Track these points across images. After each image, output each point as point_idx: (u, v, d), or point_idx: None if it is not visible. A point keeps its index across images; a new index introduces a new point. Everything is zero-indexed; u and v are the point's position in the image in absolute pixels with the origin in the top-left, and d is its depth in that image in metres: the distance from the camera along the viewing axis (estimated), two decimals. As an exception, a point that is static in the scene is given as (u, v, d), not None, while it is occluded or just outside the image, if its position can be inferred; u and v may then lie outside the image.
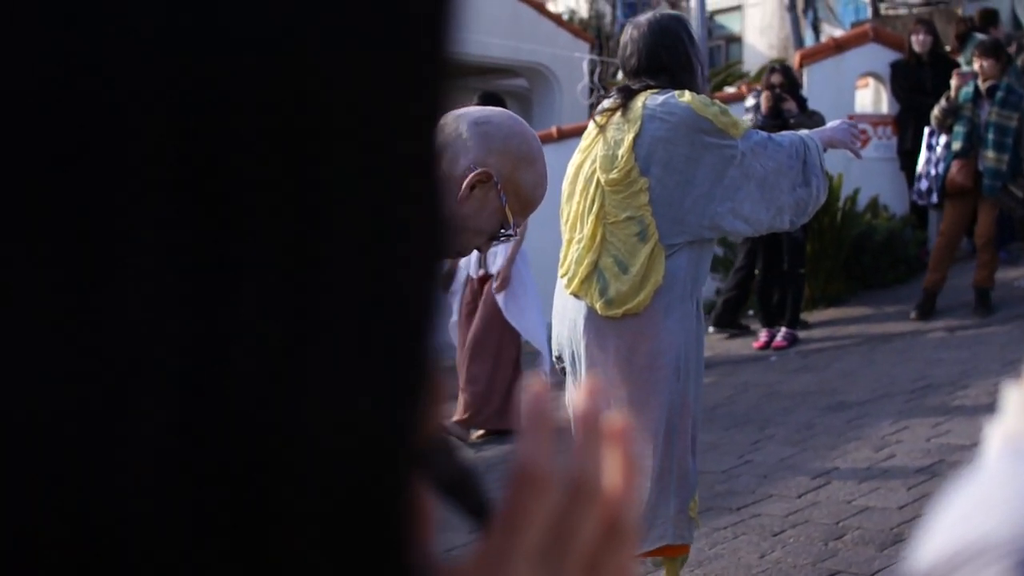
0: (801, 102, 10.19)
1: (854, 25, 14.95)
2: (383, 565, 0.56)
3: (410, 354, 0.56)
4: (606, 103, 4.51)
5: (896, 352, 9.36)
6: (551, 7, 20.11)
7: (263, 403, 0.49)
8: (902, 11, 15.39)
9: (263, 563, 0.50)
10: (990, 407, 7.34)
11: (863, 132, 12.52)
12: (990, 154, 9.72)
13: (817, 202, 4.49)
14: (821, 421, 7.59)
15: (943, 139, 10.07)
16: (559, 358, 4.59)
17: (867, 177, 11.82)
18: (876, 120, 12.61)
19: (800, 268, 10.31)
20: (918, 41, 11.88)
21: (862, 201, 11.86)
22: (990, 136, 9.72)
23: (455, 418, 8.34)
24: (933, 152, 10.19)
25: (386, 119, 0.53)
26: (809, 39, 16.64)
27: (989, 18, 12.20)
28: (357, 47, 0.51)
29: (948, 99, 10.07)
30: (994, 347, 8.85)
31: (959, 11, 14.43)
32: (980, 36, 11.65)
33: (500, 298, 8.20)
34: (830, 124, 4.67)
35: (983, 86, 9.86)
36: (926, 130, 10.40)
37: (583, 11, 23.61)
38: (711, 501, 5.98)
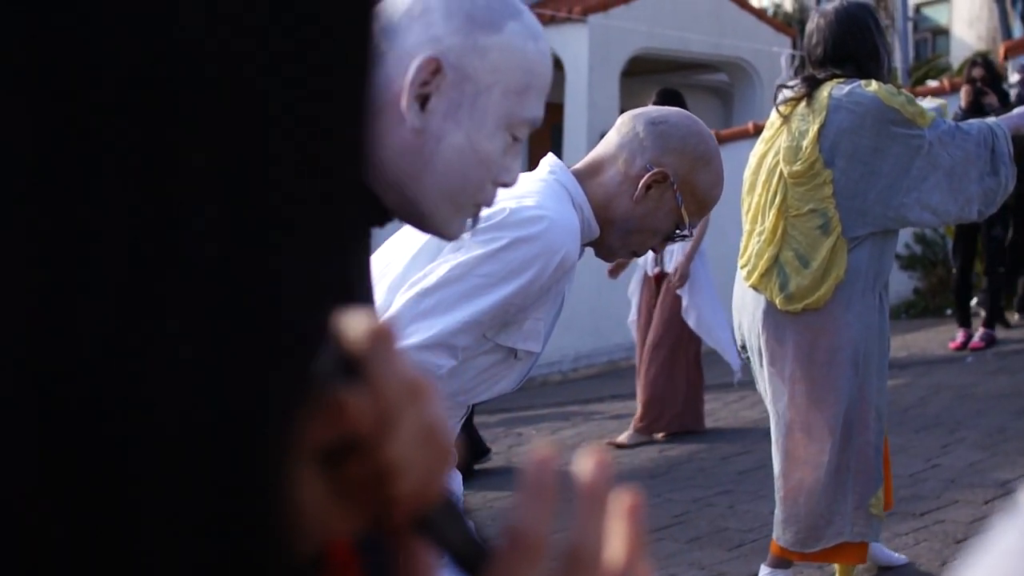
0: (1003, 96, 9.88)
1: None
2: (241, 534, 0.55)
3: (277, 334, 0.55)
4: (789, 92, 4.43)
5: (1099, 355, 9.04)
6: (755, 2, 19.91)
7: (108, 368, 0.49)
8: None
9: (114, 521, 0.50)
10: None
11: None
12: None
13: (1006, 191, 4.38)
14: (1014, 425, 7.36)
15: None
16: (743, 347, 4.56)
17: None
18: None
19: (999, 266, 10.02)
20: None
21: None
22: None
23: (634, 425, 8.26)
24: None
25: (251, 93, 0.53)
26: (1018, 31, 16.16)
27: None
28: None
29: None
30: None
31: None
32: None
33: (682, 296, 8.06)
34: (1017, 110, 4.53)
35: None
36: None
37: (787, 5, 23.35)
38: (895, 506, 5.85)
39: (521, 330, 2.32)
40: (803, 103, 4.35)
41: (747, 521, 6.10)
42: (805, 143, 4.28)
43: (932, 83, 13.62)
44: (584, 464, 0.69)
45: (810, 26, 4.54)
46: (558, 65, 15.05)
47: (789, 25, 19.96)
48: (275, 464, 0.58)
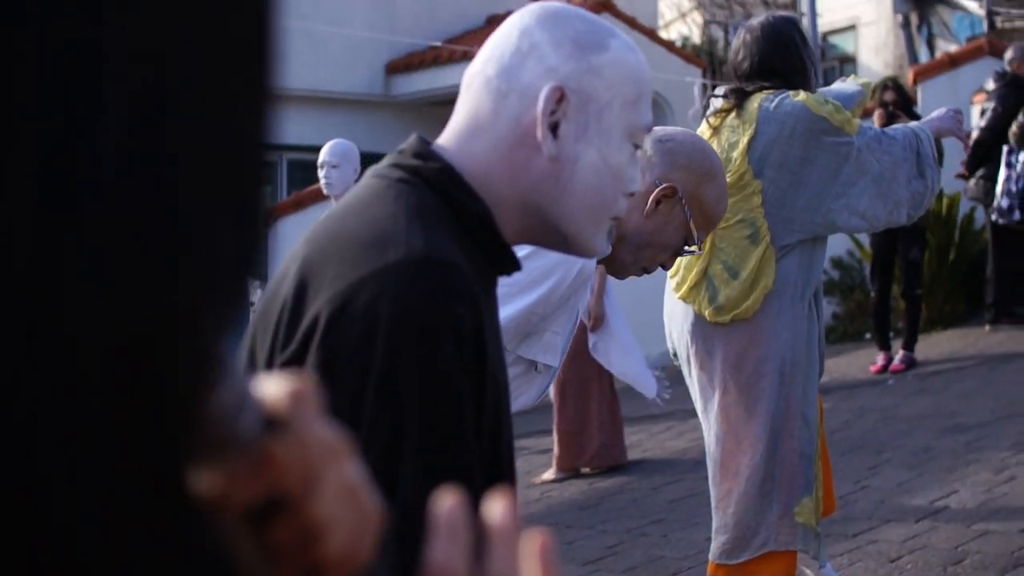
0: (914, 119, 10.01)
1: (969, 40, 14.70)
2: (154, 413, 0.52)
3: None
4: (719, 103, 4.44)
5: (1017, 372, 9.14)
6: (663, 34, 20.07)
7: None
8: (1019, 23, 15.09)
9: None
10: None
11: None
12: None
13: (932, 193, 4.42)
14: (939, 445, 7.43)
15: (1021, 155, 9.87)
16: (675, 354, 4.57)
17: (984, 195, 11.59)
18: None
19: (917, 289, 10.12)
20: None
21: (979, 219, 11.63)
22: None
23: (556, 463, 8.19)
24: (1013, 169, 10.00)
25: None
26: (924, 56, 16.41)
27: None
28: None
29: None
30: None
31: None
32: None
33: (590, 337, 7.97)
34: (935, 113, 4.59)
35: None
36: (1004, 148, 10.23)
37: (696, 37, 23.55)
38: (827, 527, 5.85)
39: (541, 342, 2.38)
40: (732, 114, 4.36)
41: (682, 549, 6.09)
42: (735, 154, 4.28)
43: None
44: (493, 508, 0.69)
45: (736, 41, 4.55)
46: (472, 101, 15.06)
47: (698, 56, 20.13)
48: (192, 384, 0.54)
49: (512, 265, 1.80)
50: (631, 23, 17.18)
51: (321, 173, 7.60)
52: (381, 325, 1.55)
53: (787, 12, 4.78)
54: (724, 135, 4.36)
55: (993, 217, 10.48)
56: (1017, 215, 10.01)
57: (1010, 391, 8.51)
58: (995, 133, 10.18)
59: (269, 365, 1.63)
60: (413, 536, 1.47)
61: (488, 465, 1.65)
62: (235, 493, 0.63)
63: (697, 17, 25.22)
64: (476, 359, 1.61)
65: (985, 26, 14.91)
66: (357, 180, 7.70)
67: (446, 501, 0.67)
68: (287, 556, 0.68)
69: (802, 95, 4.31)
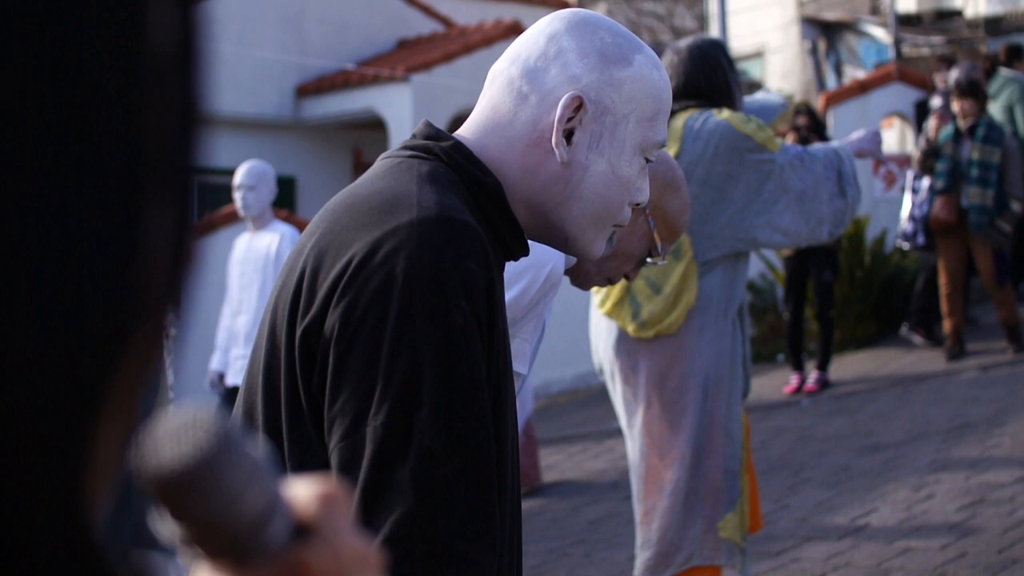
0: (826, 142, 10.11)
1: (877, 67, 14.89)
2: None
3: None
4: None
5: (930, 392, 9.22)
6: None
7: None
8: (924, 51, 15.30)
9: None
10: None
11: (889, 173, 12.43)
12: (974, 190, 9.69)
13: (852, 211, 4.46)
14: (857, 464, 7.46)
15: (925, 181, 10.02)
16: (600, 370, 4.55)
17: (895, 218, 11.72)
18: (902, 160, 12.52)
19: (829, 311, 10.20)
20: (943, 79, 11.77)
21: (890, 242, 11.75)
22: (973, 173, 9.71)
23: None
24: (916, 195, 10.14)
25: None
26: (831, 82, 16.60)
27: (1014, 53, 12.10)
28: None
29: (928, 141, 10.06)
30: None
31: (983, 48, 14.36)
32: (1006, 72, 11.56)
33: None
34: (855, 134, 4.62)
35: (963, 125, 9.80)
36: (908, 174, 10.39)
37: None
38: (749, 546, 5.85)
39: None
40: None
41: (605, 569, 6.05)
42: None
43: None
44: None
45: (664, 62, 4.56)
46: (382, 124, 15.01)
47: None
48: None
49: (520, 246, 1.86)
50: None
51: (238, 195, 7.50)
52: (397, 280, 1.61)
53: (714, 37, 4.82)
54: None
55: (898, 242, 10.60)
56: (920, 239, 10.13)
57: (924, 411, 8.59)
58: None
59: (291, 334, 1.68)
60: (429, 480, 1.59)
61: (494, 421, 1.71)
62: None
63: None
64: (488, 314, 1.67)
65: (892, 53, 15.09)
66: (272, 203, 7.63)
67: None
68: None
69: (726, 113, 4.34)
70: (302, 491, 0.63)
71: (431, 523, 1.58)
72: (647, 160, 1.91)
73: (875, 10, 17.28)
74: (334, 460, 1.64)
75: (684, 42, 4.61)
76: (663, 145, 1.94)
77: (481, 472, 1.63)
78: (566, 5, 21.49)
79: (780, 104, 4.70)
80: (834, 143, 4.58)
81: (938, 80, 11.91)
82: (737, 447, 4.39)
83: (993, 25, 15.09)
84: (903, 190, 10.26)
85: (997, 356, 9.84)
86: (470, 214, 1.73)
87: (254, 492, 0.58)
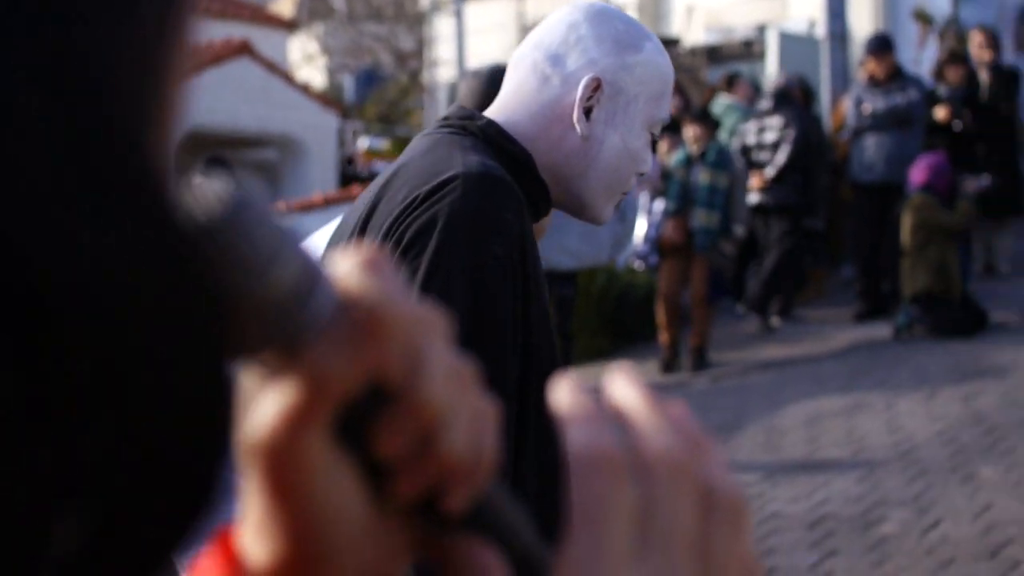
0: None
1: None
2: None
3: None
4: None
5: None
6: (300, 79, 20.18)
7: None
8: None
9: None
10: (766, 447, 7.67)
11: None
12: (701, 213, 10.09)
13: (630, 236, 4.67)
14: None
15: (658, 203, 10.45)
16: None
17: (625, 236, 12.17)
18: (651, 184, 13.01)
19: (569, 326, 10.48)
20: (672, 105, 12.33)
21: (621, 259, 12.18)
22: (702, 196, 10.12)
23: None
24: (651, 216, 10.56)
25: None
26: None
27: (732, 81, 12.79)
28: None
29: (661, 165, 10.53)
30: (758, 394, 9.19)
31: (703, 76, 15.05)
32: (726, 99, 12.20)
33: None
34: None
35: (694, 150, 10.27)
36: (644, 197, 10.85)
37: (317, 82, 23.68)
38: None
39: None
40: None
41: None
42: None
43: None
44: (616, 386, 0.60)
45: (461, 87, 4.74)
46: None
47: (338, 100, 20.39)
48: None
49: (545, 207, 2.12)
50: (271, 67, 17.23)
51: None
52: (440, 219, 1.85)
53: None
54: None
55: (631, 261, 11.03)
56: (653, 259, 10.53)
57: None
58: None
59: None
60: None
61: (542, 356, 1.94)
62: (328, 389, 0.51)
63: (323, 62, 25.46)
64: (520, 259, 1.89)
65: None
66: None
67: (563, 387, 0.57)
68: (401, 472, 0.53)
69: None
70: (341, 264, 0.53)
71: None
72: (652, 135, 2.15)
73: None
74: None
75: (483, 67, 4.80)
76: (667, 121, 2.21)
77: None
78: (293, 23, 21.51)
79: None
80: None
81: (665, 105, 12.48)
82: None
83: (713, 53, 15.84)
84: (649, 212, 10.71)
85: (727, 368, 10.30)
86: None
87: (288, 255, 0.49)
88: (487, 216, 1.87)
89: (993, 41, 12.41)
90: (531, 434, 1.94)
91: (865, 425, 7.83)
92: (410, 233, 1.86)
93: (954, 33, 15.38)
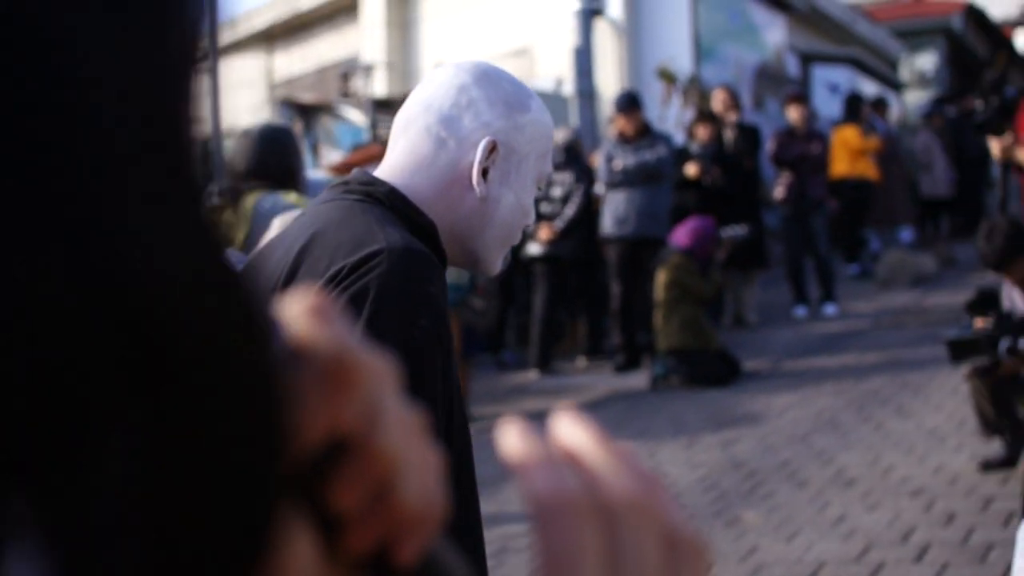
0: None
1: (354, 147, 15.41)
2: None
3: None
4: (214, 200, 4.58)
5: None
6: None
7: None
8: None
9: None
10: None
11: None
12: (450, 270, 10.21)
13: None
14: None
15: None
16: None
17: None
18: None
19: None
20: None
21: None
22: None
23: None
24: None
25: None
26: (309, 162, 16.99)
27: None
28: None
29: None
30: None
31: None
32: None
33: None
34: None
35: None
36: None
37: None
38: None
39: None
40: (228, 211, 4.51)
41: None
42: (232, 250, 4.42)
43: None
44: (564, 427, 0.60)
45: (235, 146, 4.74)
46: None
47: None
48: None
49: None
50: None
51: None
52: (370, 292, 1.88)
53: (281, 122, 5.18)
54: (220, 231, 4.48)
55: None
56: None
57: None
58: None
59: None
60: None
61: (458, 412, 2.03)
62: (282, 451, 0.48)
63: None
64: (442, 327, 1.93)
65: (368, 135, 15.69)
66: None
67: (512, 433, 0.56)
68: (354, 525, 0.52)
69: (293, 196, 4.55)
70: (289, 311, 0.52)
71: None
72: (538, 189, 2.25)
73: (346, 93, 17.88)
74: None
75: (255, 126, 4.82)
76: (550, 176, 2.33)
77: None
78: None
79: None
80: None
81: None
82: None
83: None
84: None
85: (488, 422, 10.36)
86: None
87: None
88: (414, 290, 1.92)
89: (735, 100, 12.88)
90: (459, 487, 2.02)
91: (628, 474, 7.94)
92: (341, 302, 1.89)
93: (696, 91, 15.91)
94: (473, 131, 2.14)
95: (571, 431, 0.59)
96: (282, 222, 3.42)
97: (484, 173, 2.16)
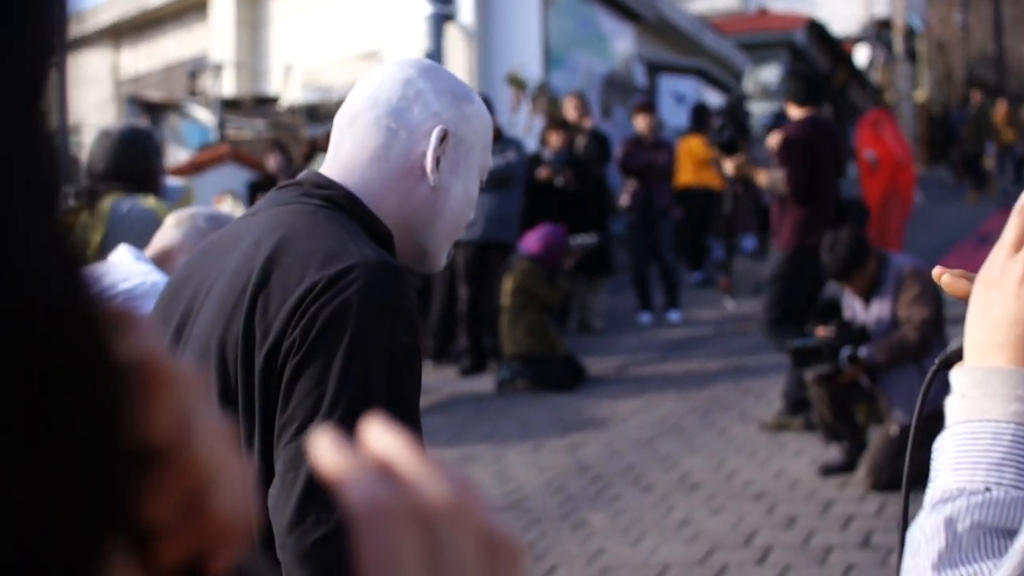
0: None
1: (202, 147, 15.24)
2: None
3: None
4: (71, 203, 4.52)
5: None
6: None
7: None
8: (247, 134, 15.86)
9: None
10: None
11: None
12: None
13: None
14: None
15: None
16: None
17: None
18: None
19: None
20: (275, 161, 12.42)
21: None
22: None
23: None
24: None
25: None
26: (154, 161, 16.76)
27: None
28: None
29: None
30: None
31: (304, 133, 15.09)
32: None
33: None
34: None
35: None
36: None
37: None
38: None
39: None
40: (85, 213, 4.45)
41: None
42: (88, 252, 4.35)
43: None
44: (382, 439, 0.61)
45: (94, 145, 4.67)
46: None
47: None
48: None
49: None
50: None
51: None
52: (353, 307, 1.87)
53: (141, 123, 5.12)
54: (76, 233, 4.41)
55: None
56: None
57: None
58: None
59: (248, 365, 1.89)
60: None
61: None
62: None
63: None
64: (420, 341, 1.95)
65: (216, 135, 15.54)
66: None
67: (324, 445, 0.58)
68: (166, 536, 0.52)
69: (152, 200, 4.51)
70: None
71: None
72: (480, 181, 2.26)
73: (194, 92, 17.67)
74: (281, 459, 1.83)
75: (116, 127, 4.76)
76: (490, 169, 2.34)
77: None
78: None
79: (181, 188, 4.94)
80: None
81: (270, 162, 12.52)
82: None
83: (312, 112, 15.90)
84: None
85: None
86: None
87: None
88: (393, 306, 1.91)
89: (585, 107, 13.00)
90: None
91: (475, 476, 7.96)
92: (323, 318, 1.88)
93: (546, 98, 16.01)
94: (423, 121, 2.15)
95: (382, 440, 0.60)
96: (177, 218, 3.36)
97: (436, 163, 2.16)
